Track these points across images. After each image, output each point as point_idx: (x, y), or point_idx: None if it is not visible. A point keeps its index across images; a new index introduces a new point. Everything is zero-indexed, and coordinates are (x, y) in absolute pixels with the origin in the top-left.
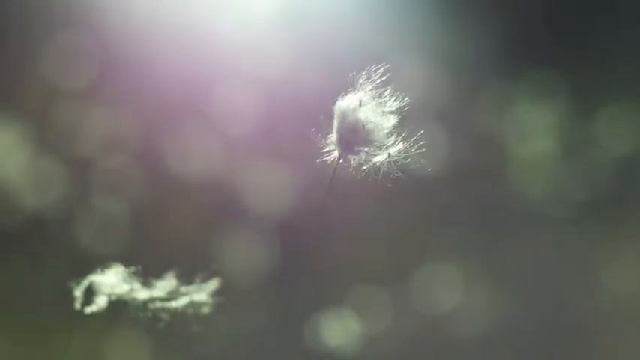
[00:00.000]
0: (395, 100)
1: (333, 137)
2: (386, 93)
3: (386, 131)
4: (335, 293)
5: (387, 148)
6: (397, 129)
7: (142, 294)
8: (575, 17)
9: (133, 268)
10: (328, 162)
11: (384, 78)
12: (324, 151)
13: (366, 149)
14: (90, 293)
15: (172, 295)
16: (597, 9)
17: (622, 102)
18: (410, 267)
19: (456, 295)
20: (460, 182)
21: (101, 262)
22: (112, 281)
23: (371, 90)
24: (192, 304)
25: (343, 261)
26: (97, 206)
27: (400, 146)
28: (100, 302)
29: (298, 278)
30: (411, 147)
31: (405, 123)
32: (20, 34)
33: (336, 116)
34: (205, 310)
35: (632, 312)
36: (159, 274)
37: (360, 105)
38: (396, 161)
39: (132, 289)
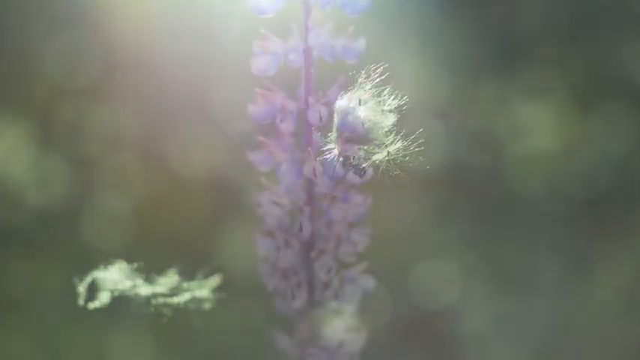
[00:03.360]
0: (394, 99)
1: (333, 135)
2: (385, 91)
3: (385, 129)
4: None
5: (386, 146)
6: (396, 127)
7: (144, 290)
8: (574, 17)
9: (135, 265)
10: (328, 160)
11: (383, 77)
12: (324, 149)
13: (365, 147)
14: (93, 289)
15: (174, 291)
16: (596, 9)
17: (621, 101)
18: (408, 265)
19: (454, 293)
20: (459, 181)
21: (104, 259)
22: (115, 277)
23: (370, 89)
24: (194, 300)
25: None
26: (100, 203)
27: (399, 144)
28: (103, 298)
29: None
30: (410, 145)
31: (404, 121)
32: (22, 33)
33: (335, 115)
34: (207, 306)
35: (629, 311)
36: (161, 271)
37: (360, 103)
38: (395, 159)
39: (135, 286)
